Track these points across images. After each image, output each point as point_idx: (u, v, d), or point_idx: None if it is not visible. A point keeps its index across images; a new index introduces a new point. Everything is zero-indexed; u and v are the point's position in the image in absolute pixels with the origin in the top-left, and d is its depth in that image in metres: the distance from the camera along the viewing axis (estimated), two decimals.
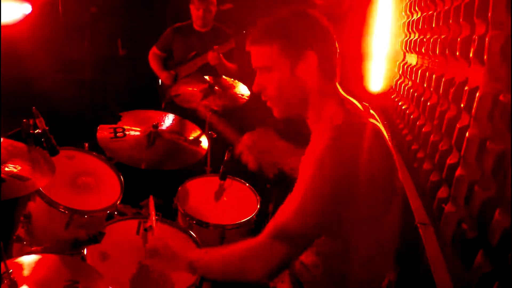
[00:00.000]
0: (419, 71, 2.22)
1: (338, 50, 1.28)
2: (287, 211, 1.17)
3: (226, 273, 1.25)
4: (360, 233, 1.21)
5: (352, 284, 1.28)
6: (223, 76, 2.84)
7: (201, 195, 2.25)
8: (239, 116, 3.25)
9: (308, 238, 1.18)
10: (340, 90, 1.30)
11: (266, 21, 1.27)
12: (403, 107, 2.50)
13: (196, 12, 3.18)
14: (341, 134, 1.13)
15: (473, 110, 1.29)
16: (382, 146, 1.21)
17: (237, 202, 2.24)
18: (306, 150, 1.23)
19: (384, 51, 3.09)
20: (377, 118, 1.32)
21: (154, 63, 3.39)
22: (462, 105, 1.41)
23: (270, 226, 1.18)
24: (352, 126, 1.17)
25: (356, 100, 1.32)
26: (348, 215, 1.15)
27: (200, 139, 2.39)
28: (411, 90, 2.36)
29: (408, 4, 2.64)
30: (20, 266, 1.40)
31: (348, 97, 1.30)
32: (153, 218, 1.64)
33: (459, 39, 1.52)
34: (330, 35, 1.26)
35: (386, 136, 1.25)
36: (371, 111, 1.32)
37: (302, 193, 1.15)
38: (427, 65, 2.11)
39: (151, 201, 1.70)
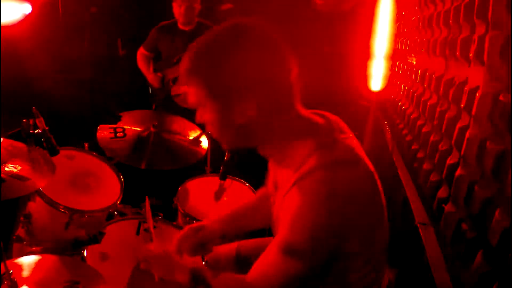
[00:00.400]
0: (419, 71, 2.22)
1: (290, 69, 1.07)
2: (270, 268, 1.08)
3: None
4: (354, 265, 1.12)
5: None
6: None
7: (201, 195, 2.25)
8: None
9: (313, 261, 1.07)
10: (304, 116, 1.13)
11: (195, 49, 1.08)
12: (403, 107, 2.50)
13: (178, 9, 3.10)
14: (321, 182, 1.01)
15: (473, 110, 1.29)
16: (367, 179, 1.10)
17: (237, 202, 2.23)
18: (287, 200, 1.08)
19: (384, 51, 3.09)
20: (344, 127, 1.20)
21: (141, 64, 3.35)
22: (462, 105, 1.41)
23: (276, 243, 1.09)
24: (330, 166, 1.03)
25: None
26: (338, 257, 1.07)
27: (200, 139, 2.39)
28: (411, 90, 2.36)
29: (408, 4, 2.64)
30: (20, 267, 1.40)
31: (311, 115, 1.15)
32: (151, 221, 1.64)
33: (459, 39, 1.52)
34: (272, 58, 1.05)
35: (359, 150, 1.14)
36: (336, 121, 1.20)
37: (283, 251, 1.04)
38: (427, 65, 2.11)
39: (147, 203, 1.71)
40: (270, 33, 1.07)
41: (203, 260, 1.70)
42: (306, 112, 1.15)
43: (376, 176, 1.13)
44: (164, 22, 3.28)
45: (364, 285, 1.16)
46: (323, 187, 1.00)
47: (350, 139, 1.15)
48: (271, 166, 1.34)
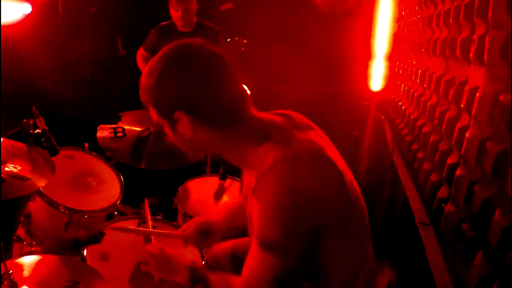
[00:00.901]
0: (419, 71, 2.22)
1: (235, 84, 1.14)
2: (259, 268, 1.11)
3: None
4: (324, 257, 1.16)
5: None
6: None
7: (201, 195, 2.25)
8: None
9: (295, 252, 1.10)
10: (258, 118, 1.18)
11: (142, 78, 1.17)
12: (403, 107, 2.50)
13: (175, 13, 3.06)
14: (284, 173, 1.05)
15: (473, 110, 1.29)
16: (328, 169, 1.12)
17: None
18: (256, 199, 1.10)
19: (384, 51, 3.09)
20: (306, 123, 1.24)
21: (141, 64, 3.34)
22: (462, 105, 1.41)
23: (255, 242, 1.13)
24: (291, 159, 1.07)
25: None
26: (314, 245, 1.11)
27: None
28: (411, 90, 2.36)
29: (408, 4, 2.64)
30: (20, 267, 1.40)
31: (267, 117, 1.20)
32: (149, 223, 1.65)
33: (459, 39, 1.52)
34: (213, 78, 1.11)
35: (326, 142, 1.18)
36: (297, 117, 1.24)
37: (262, 249, 1.08)
38: (427, 65, 2.11)
39: (146, 204, 1.71)
40: (211, 53, 1.14)
41: (202, 260, 1.70)
42: (262, 115, 1.20)
43: (341, 166, 1.16)
44: (163, 23, 3.27)
45: (348, 272, 1.20)
46: (283, 180, 1.04)
47: (313, 134, 1.19)
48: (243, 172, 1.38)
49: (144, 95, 1.17)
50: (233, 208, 1.61)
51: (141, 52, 3.35)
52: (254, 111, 1.20)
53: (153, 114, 1.19)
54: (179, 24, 3.12)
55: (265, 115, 1.21)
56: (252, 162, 1.15)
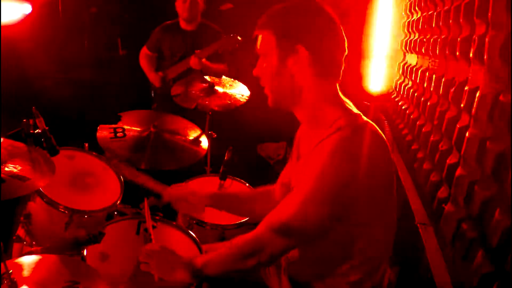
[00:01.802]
0: (419, 71, 2.22)
1: (344, 50, 1.25)
2: (291, 207, 1.18)
3: (227, 263, 1.28)
4: (356, 234, 1.21)
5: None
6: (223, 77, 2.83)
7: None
8: (239, 116, 3.27)
9: (309, 236, 1.21)
10: (339, 93, 1.28)
11: (274, 8, 1.25)
12: (403, 107, 2.50)
13: (182, 5, 3.09)
14: (348, 137, 1.13)
15: (473, 110, 1.29)
16: (384, 149, 1.21)
17: None
18: (309, 155, 1.22)
19: (384, 51, 3.09)
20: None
21: (143, 63, 3.36)
22: (462, 105, 1.41)
23: (272, 219, 1.21)
24: (357, 128, 1.17)
25: (355, 101, 1.32)
26: (349, 217, 1.16)
27: (200, 139, 2.39)
28: (411, 90, 2.36)
29: (408, 4, 2.64)
30: (20, 267, 1.40)
31: (346, 100, 1.29)
32: (149, 223, 1.64)
33: (459, 39, 1.52)
34: (334, 34, 1.22)
35: (385, 138, 1.25)
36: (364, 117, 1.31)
37: (307, 192, 1.15)
38: (427, 65, 2.11)
39: (146, 204, 1.71)
40: (335, 16, 1.23)
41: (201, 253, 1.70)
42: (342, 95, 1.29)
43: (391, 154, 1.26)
44: (167, 22, 3.28)
45: (370, 263, 1.24)
46: (350, 142, 1.12)
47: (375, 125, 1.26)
48: (299, 134, 1.44)
49: (270, 19, 1.24)
50: (229, 193, 1.74)
51: (144, 51, 3.36)
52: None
53: (262, 45, 1.25)
54: (185, 16, 3.13)
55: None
56: (321, 121, 1.23)
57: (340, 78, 1.27)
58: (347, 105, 1.26)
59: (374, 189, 1.16)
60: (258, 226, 1.25)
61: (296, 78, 1.23)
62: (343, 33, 1.24)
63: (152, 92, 3.44)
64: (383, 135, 1.23)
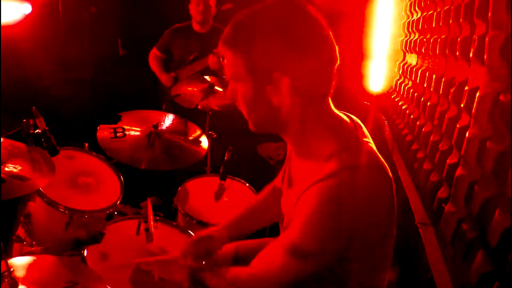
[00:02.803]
0: (419, 71, 2.22)
1: (334, 61, 1.04)
2: (275, 261, 1.06)
3: None
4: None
5: None
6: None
7: (201, 195, 2.25)
8: (239, 116, 3.27)
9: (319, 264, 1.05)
10: (332, 109, 1.11)
11: (240, 17, 1.04)
12: (403, 107, 2.50)
13: (196, 8, 3.15)
14: (339, 186, 0.97)
15: (473, 110, 1.29)
16: (385, 178, 1.06)
17: (237, 202, 2.23)
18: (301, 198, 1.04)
19: (384, 51, 3.09)
20: (366, 131, 1.18)
21: (154, 65, 3.39)
22: (462, 105, 1.41)
23: (283, 243, 1.06)
24: (351, 171, 0.99)
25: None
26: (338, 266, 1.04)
27: (200, 139, 2.39)
28: (411, 90, 2.36)
29: (408, 4, 2.64)
30: (19, 267, 1.40)
31: (340, 115, 1.13)
32: (151, 222, 1.64)
33: (459, 39, 1.52)
34: (319, 46, 1.01)
35: (379, 156, 1.11)
36: (359, 123, 1.18)
37: (291, 247, 1.02)
38: (427, 65, 2.11)
39: (149, 204, 1.71)
40: (319, 20, 1.03)
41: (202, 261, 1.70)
42: (334, 109, 1.12)
43: (393, 183, 1.10)
44: (178, 25, 3.33)
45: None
46: (342, 192, 0.96)
47: (371, 144, 1.12)
48: (290, 160, 1.28)
49: (235, 35, 1.03)
50: (239, 216, 1.56)
51: (154, 53, 3.38)
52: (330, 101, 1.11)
53: (231, 69, 1.05)
54: (198, 18, 3.17)
55: (335, 110, 1.12)
56: (312, 152, 1.07)
57: (331, 92, 1.09)
58: (341, 129, 1.09)
59: (372, 239, 1.03)
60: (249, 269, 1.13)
61: (277, 107, 1.03)
62: (332, 40, 1.03)
63: (161, 92, 3.44)
64: (383, 162, 1.07)
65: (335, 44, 1.04)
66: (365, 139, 1.10)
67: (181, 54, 3.28)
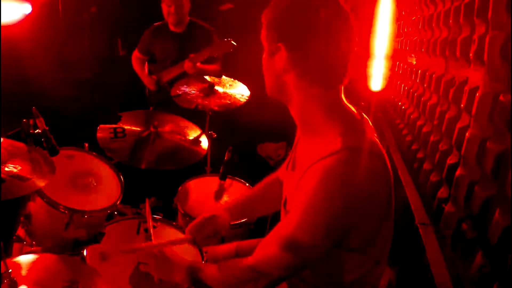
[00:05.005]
0: (419, 71, 2.22)
1: (347, 51, 1.08)
2: (295, 223, 1.09)
3: (231, 283, 1.21)
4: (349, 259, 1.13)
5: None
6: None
7: (201, 195, 2.25)
8: (239, 116, 3.27)
9: (318, 252, 1.10)
10: (343, 99, 1.15)
11: (273, 3, 1.15)
12: (403, 107, 2.50)
13: (167, 9, 3.04)
14: (342, 164, 1.00)
15: (473, 110, 1.29)
16: (385, 167, 1.10)
17: None
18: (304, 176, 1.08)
19: (384, 51, 3.09)
20: (372, 126, 1.21)
21: (136, 67, 3.31)
22: (462, 105, 1.41)
23: (279, 236, 1.11)
24: (353, 151, 1.03)
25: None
26: (341, 245, 1.08)
27: (200, 139, 2.39)
28: (411, 90, 2.36)
29: (409, 4, 2.64)
30: (19, 266, 1.40)
31: (350, 107, 1.16)
32: (150, 223, 1.64)
33: (459, 39, 1.52)
34: (330, 33, 1.06)
35: (382, 148, 1.14)
36: (366, 117, 1.21)
37: (297, 223, 1.06)
38: (427, 65, 2.11)
39: (147, 205, 1.71)
40: (345, 12, 1.08)
41: (202, 260, 1.70)
42: (344, 99, 1.16)
43: (392, 177, 1.13)
44: (156, 24, 3.23)
45: (360, 280, 1.17)
46: (343, 170, 1.00)
47: (375, 137, 1.16)
48: (296, 146, 1.33)
49: (268, 8, 1.14)
50: (242, 201, 1.61)
51: (136, 55, 3.30)
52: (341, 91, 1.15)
53: (262, 30, 1.16)
54: (171, 20, 3.07)
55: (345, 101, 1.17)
56: (317, 131, 1.12)
57: (342, 83, 1.13)
58: (349, 117, 1.13)
59: (368, 218, 1.06)
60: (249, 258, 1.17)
61: (283, 77, 1.12)
62: (351, 31, 1.08)
63: (148, 95, 3.41)
64: (385, 154, 1.11)
65: (355, 36, 1.09)
66: (371, 132, 1.14)
67: (161, 55, 3.21)
